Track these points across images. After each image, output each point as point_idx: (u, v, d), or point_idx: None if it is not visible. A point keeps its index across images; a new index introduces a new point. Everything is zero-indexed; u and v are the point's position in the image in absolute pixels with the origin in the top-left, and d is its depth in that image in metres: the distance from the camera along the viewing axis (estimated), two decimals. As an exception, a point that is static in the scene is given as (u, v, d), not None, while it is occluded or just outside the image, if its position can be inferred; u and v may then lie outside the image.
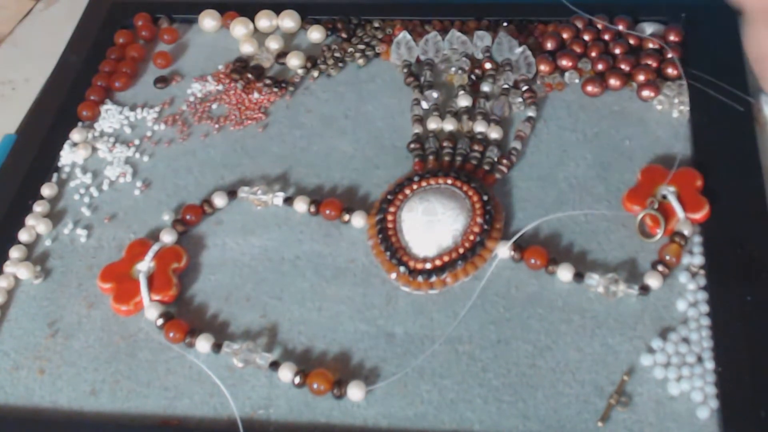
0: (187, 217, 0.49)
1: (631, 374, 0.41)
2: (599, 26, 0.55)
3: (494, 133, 0.51)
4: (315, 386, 0.41)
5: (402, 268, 0.45)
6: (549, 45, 0.55)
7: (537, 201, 0.48)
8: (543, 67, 0.54)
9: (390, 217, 0.47)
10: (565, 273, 0.44)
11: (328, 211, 0.48)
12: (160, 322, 0.44)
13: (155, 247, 0.46)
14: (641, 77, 0.52)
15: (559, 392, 0.41)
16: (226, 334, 0.44)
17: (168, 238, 0.47)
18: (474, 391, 0.41)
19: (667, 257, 0.43)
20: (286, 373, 0.42)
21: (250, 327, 0.44)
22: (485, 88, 0.53)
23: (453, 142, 0.50)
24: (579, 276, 0.44)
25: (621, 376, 0.41)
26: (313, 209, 0.48)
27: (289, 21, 0.59)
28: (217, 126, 0.54)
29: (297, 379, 0.41)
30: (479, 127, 0.51)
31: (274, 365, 0.42)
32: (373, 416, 0.41)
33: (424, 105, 0.53)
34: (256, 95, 0.55)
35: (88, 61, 0.59)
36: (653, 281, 0.43)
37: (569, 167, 0.49)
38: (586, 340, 0.42)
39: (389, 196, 0.48)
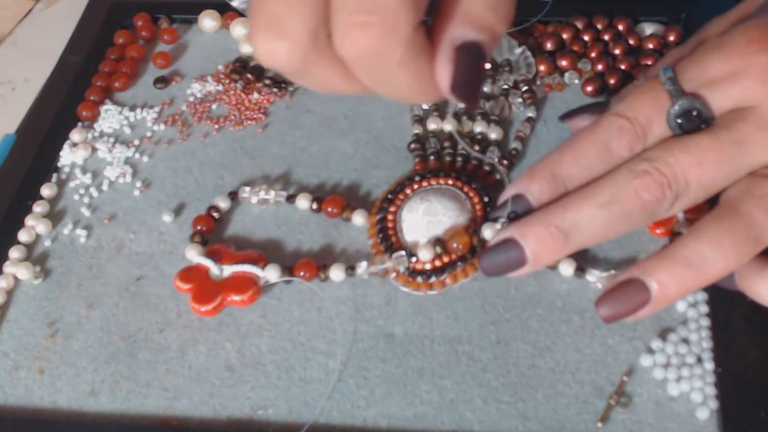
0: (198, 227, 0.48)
1: (630, 375, 0.41)
2: (599, 26, 0.55)
3: (494, 134, 0.51)
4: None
5: (402, 268, 0.45)
6: (549, 45, 0.55)
7: (537, 201, 0.48)
8: (543, 68, 0.54)
9: (390, 217, 0.47)
10: (566, 267, 0.44)
11: (330, 209, 0.48)
12: None
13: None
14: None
15: (559, 393, 0.41)
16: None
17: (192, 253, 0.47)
18: (474, 391, 0.41)
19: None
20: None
21: (249, 327, 0.44)
22: (485, 88, 0.53)
23: (453, 142, 0.50)
24: (580, 270, 0.44)
25: (621, 376, 0.41)
26: (315, 206, 0.48)
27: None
28: (216, 126, 0.54)
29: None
30: (479, 127, 0.51)
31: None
32: (372, 416, 0.41)
33: (424, 105, 0.53)
34: (255, 95, 0.55)
35: (88, 61, 0.58)
36: (653, 282, 0.43)
37: (569, 167, 0.49)
38: (586, 340, 0.42)
39: (390, 196, 0.48)
